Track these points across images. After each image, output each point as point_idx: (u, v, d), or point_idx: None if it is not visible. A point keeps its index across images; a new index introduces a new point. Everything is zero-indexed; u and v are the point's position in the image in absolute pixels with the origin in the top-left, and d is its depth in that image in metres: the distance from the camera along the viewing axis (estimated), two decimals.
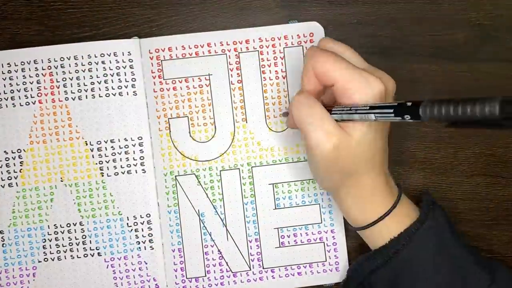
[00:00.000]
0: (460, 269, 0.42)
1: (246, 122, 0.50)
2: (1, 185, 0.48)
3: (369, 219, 0.43)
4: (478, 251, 0.44)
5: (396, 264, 0.42)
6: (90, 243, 0.49)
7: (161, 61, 0.49)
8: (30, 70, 0.48)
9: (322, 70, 0.40)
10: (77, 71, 0.48)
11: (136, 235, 0.49)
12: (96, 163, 0.49)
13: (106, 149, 0.49)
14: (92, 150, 0.49)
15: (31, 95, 0.48)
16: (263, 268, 0.49)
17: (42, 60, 0.48)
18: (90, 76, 0.49)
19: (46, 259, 0.48)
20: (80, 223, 0.49)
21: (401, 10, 0.50)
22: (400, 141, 0.50)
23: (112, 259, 0.49)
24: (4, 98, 0.48)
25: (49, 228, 0.48)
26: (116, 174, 0.49)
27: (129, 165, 0.49)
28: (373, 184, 0.42)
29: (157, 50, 0.49)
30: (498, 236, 0.51)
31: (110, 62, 0.49)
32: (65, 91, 0.49)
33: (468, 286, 0.41)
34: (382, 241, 0.43)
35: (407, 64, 0.50)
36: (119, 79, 0.49)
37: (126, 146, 0.49)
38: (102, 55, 0.48)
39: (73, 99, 0.49)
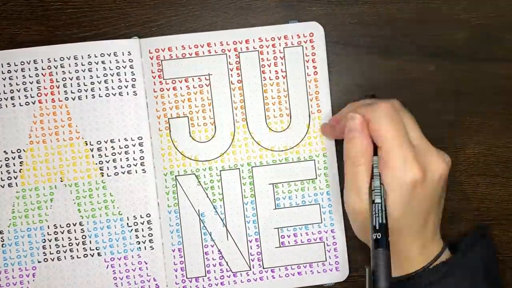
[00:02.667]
0: None
1: (246, 122, 0.50)
2: (0, 185, 0.48)
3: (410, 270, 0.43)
4: None
5: None
6: (90, 243, 0.49)
7: (161, 61, 0.49)
8: (30, 70, 0.48)
9: (374, 125, 0.40)
10: (77, 71, 0.48)
11: (136, 235, 0.49)
12: (96, 163, 0.49)
13: (106, 149, 0.49)
14: (92, 150, 0.49)
15: (31, 95, 0.48)
16: (263, 268, 0.49)
17: (42, 60, 0.48)
18: (90, 76, 0.48)
19: (46, 259, 0.48)
20: (80, 223, 0.49)
21: (401, 10, 0.50)
22: None
23: (112, 259, 0.49)
24: (4, 98, 0.48)
25: (49, 228, 0.48)
26: (116, 174, 0.49)
27: (129, 165, 0.49)
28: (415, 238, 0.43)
29: (157, 50, 0.49)
30: (498, 236, 0.51)
31: (110, 62, 0.48)
32: (65, 91, 0.49)
33: None
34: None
35: (407, 64, 0.50)
36: (119, 79, 0.49)
37: (126, 146, 0.49)
38: (102, 55, 0.48)
39: (73, 99, 0.49)
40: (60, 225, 0.48)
